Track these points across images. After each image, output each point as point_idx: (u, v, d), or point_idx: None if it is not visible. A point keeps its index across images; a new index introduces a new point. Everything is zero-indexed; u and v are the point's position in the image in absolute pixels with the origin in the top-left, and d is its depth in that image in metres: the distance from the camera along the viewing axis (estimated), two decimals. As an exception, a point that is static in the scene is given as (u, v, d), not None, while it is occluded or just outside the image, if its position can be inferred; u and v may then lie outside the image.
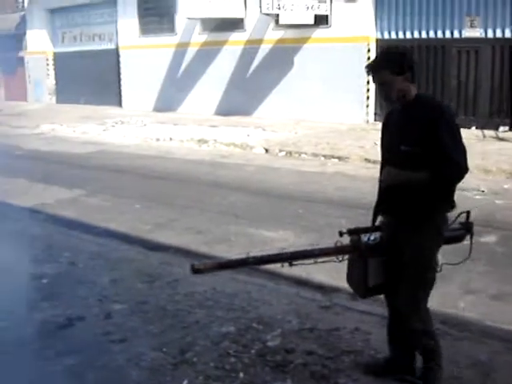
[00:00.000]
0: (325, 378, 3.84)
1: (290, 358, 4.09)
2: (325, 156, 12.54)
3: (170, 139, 15.28)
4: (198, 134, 15.42)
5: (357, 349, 4.18)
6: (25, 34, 29.64)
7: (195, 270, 3.47)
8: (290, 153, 12.94)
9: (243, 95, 18.76)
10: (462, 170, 3.26)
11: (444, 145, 3.21)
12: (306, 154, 12.83)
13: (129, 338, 4.40)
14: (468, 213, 3.73)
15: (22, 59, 30.61)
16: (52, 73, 29.07)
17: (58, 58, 28.58)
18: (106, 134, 17.43)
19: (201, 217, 8.06)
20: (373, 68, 3.38)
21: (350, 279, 3.77)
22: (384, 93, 3.40)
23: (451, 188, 3.41)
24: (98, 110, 23.57)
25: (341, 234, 3.51)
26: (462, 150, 3.26)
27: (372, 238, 3.60)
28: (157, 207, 8.57)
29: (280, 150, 13.15)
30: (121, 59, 24.54)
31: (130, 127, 18.48)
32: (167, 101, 21.25)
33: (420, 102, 3.37)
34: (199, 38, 20.84)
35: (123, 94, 24.51)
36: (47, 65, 29.08)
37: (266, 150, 13.26)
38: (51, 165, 13.08)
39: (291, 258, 3.53)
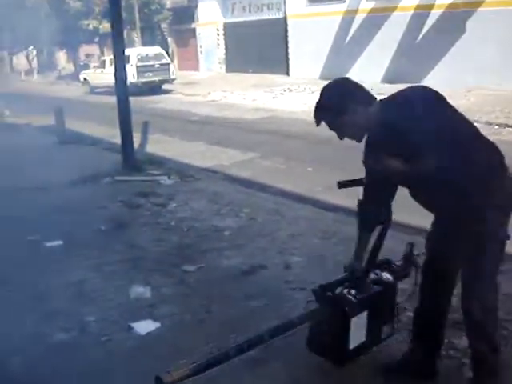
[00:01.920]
0: (504, 339, 3.78)
1: (468, 317, 4.08)
2: (499, 125, 11.94)
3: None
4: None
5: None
6: (196, 6, 31.03)
7: None
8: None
9: (411, 62, 18.28)
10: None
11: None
12: (477, 122, 12.25)
13: (308, 287, 4.59)
14: (411, 245, 3.44)
15: (193, 31, 32.11)
16: (222, 43, 30.23)
17: (228, 29, 29.60)
18: (275, 101, 17.91)
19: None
20: (315, 119, 2.93)
21: (316, 344, 3.30)
22: (343, 135, 2.97)
23: None
24: (265, 79, 24.20)
25: (315, 292, 3.24)
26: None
27: (351, 292, 3.18)
28: (327, 171, 8.71)
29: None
30: (288, 28, 24.91)
31: (297, 95, 18.85)
32: (334, 68, 21.24)
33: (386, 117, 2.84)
34: (367, 4, 20.57)
35: (290, 62, 24.93)
36: (217, 35, 30.26)
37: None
38: (225, 129, 13.78)
39: (275, 335, 3.00)
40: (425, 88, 2.92)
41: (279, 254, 5.43)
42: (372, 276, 3.34)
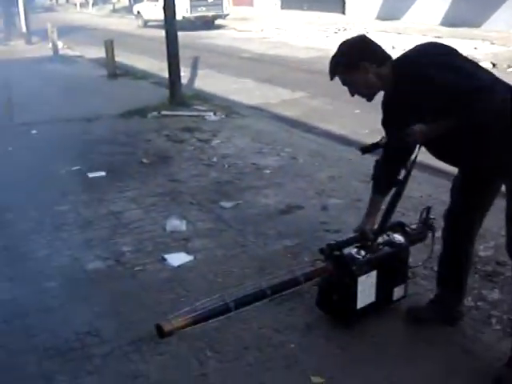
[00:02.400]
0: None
1: (501, 269, 3.98)
2: None
3: (393, 48, 14.86)
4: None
5: None
6: None
7: (163, 334, 2.62)
8: (521, 68, 11.93)
9: (472, 5, 17.47)
10: (484, 92, 2.51)
11: (450, 85, 2.55)
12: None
13: (343, 230, 4.58)
14: (428, 209, 3.35)
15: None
16: (278, -22, 29.50)
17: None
18: (328, 40, 17.45)
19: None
20: (329, 73, 2.89)
21: (325, 303, 3.31)
22: (354, 92, 2.90)
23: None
24: (320, 17, 23.61)
25: (322, 251, 3.19)
26: (469, 74, 2.57)
27: (360, 252, 3.16)
28: (375, 113, 8.50)
29: (509, 66, 12.16)
30: (346, -35, 24.08)
31: (352, 34, 18.30)
32: (391, 9, 20.57)
33: (400, 75, 2.78)
34: None
35: (347, 0, 24.17)
36: (273, -30, 29.53)
37: (494, 65, 12.31)
38: (276, 67, 13.57)
39: (277, 291, 2.95)
40: (435, 42, 2.89)
41: (317, 195, 5.40)
42: (384, 238, 3.30)
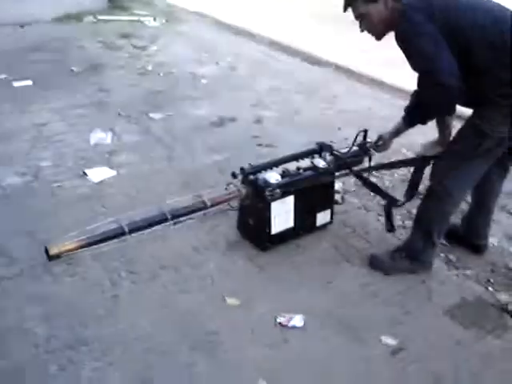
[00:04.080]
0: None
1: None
2: None
3: None
4: None
5: None
6: None
7: (50, 257, 2.48)
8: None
9: None
10: (439, 86, 2.47)
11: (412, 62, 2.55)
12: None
13: (275, 144, 4.43)
14: (365, 132, 3.23)
15: None
16: None
17: None
18: None
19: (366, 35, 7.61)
20: (345, 3, 2.71)
21: (243, 227, 3.25)
22: (366, 28, 2.72)
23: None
24: None
25: (234, 175, 3.02)
26: (434, 58, 2.47)
27: (274, 176, 2.98)
28: (329, 23, 8.21)
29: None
30: None
31: None
32: None
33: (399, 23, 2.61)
34: None
35: None
36: None
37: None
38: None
39: (179, 215, 2.80)
40: None
41: (253, 107, 5.20)
42: (305, 163, 3.15)
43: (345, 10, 2.75)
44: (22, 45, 7.04)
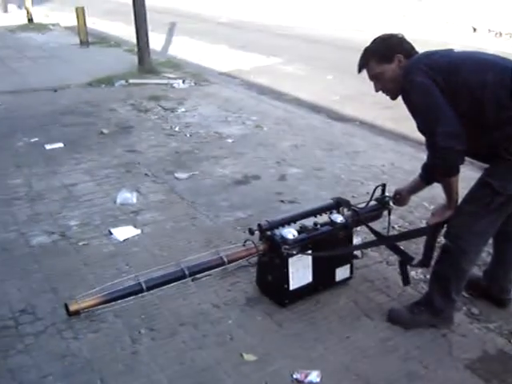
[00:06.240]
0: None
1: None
2: None
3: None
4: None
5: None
6: None
7: (70, 313, 2.69)
8: None
9: None
10: (436, 148, 2.56)
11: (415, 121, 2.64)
12: None
13: (298, 200, 4.49)
14: (383, 186, 3.25)
15: None
16: None
17: None
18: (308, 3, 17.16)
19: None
20: (359, 64, 2.83)
21: (262, 283, 3.26)
22: (381, 87, 2.81)
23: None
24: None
25: (251, 231, 3.07)
26: (433, 119, 2.53)
27: (291, 232, 3.00)
28: (349, 79, 8.37)
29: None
30: None
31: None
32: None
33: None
34: None
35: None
36: None
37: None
38: (251, 33, 13.31)
39: (196, 272, 2.95)
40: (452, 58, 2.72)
41: (277, 164, 5.28)
42: (323, 218, 3.19)
43: (359, 71, 2.85)
44: (55, 108, 7.33)
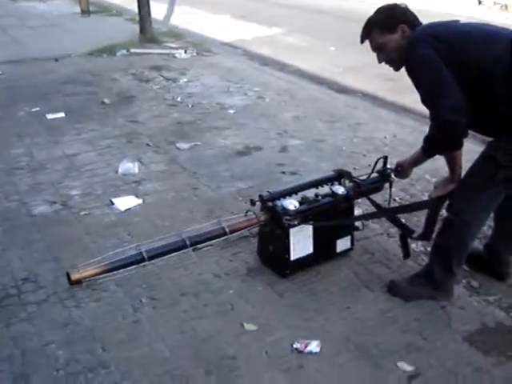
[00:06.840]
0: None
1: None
2: None
3: None
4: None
5: None
6: None
7: (72, 282, 2.69)
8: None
9: None
10: (440, 122, 2.52)
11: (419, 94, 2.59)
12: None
13: (300, 172, 4.48)
14: (385, 158, 3.23)
15: None
16: None
17: None
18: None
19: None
20: (362, 34, 2.78)
21: (263, 253, 3.27)
22: (384, 58, 2.76)
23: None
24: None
25: (252, 202, 3.05)
26: (437, 92, 2.50)
27: (293, 203, 2.99)
28: (352, 50, 8.29)
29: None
30: None
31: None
32: None
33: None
34: None
35: None
36: None
37: None
38: (252, 2, 13.15)
39: (197, 242, 2.93)
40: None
41: (278, 135, 5.26)
42: (324, 189, 3.18)
43: (362, 41, 2.81)
44: (56, 78, 7.29)
